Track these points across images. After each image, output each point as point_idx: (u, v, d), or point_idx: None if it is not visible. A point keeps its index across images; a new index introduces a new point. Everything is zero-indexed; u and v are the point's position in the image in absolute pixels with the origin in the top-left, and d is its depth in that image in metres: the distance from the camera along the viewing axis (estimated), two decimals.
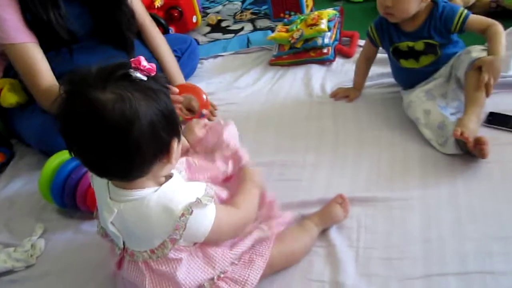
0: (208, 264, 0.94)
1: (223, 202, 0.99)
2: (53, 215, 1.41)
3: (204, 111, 1.37)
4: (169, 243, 0.86)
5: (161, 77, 0.84)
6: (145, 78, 0.79)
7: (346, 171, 1.35)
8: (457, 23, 1.38)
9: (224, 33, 2.35)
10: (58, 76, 1.46)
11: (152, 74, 0.80)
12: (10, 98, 1.55)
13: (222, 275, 0.97)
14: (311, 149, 1.46)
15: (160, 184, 0.86)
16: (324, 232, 1.17)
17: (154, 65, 0.81)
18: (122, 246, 0.92)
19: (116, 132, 0.75)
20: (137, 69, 0.79)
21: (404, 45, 1.44)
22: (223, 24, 2.44)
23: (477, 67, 1.30)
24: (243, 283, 0.97)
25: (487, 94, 1.30)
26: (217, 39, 2.31)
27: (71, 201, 1.32)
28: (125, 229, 0.88)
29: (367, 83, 1.68)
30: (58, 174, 1.31)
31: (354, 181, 1.31)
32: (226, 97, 1.81)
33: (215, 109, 1.71)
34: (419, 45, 1.42)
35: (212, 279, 0.96)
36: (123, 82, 0.77)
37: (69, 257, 1.26)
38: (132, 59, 0.79)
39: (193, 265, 0.92)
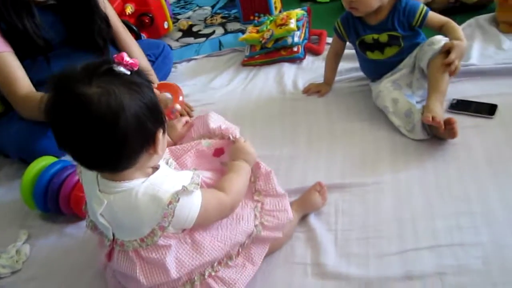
0: (197, 251, 0.96)
1: (210, 186, 1.02)
2: (36, 221, 1.42)
3: (178, 106, 1.37)
4: (158, 231, 0.89)
5: (144, 71, 0.88)
6: (128, 73, 0.83)
7: (321, 161, 1.41)
8: (418, 18, 1.47)
9: (195, 38, 2.39)
10: (35, 84, 1.47)
11: (135, 69, 0.84)
12: None
13: (213, 273, 1.00)
14: (287, 143, 1.51)
15: (148, 176, 0.90)
16: (303, 218, 1.22)
17: (137, 60, 0.85)
18: (111, 237, 0.94)
19: (103, 124, 0.78)
20: (120, 64, 0.83)
21: (370, 37, 1.52)
22: (194, 28, 2.49)
23: (446, 50, 1.39)
24: (231, 285, 1.00)
25: (453, 73, 1.40)
26: (189, 44, 2.35)
27: (54, 205, 1.33)
28: (115, 219, 0.91)
29: (337, 78, 1.75)
30: (40, 179, 1.33)
31: (329, 170, 1.37)
32: (202, 98, 1.85)
33: (192, 110, 1.75)
34: (383, 37, 1.50)
35: (203, 274, 0.99)
36: (107, 77, 0.80)
37: (55, 261, 1.27)
38: (115, 55, 0.83)
39: (182, 252, 0.95)
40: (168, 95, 1.54)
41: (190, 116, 1.70)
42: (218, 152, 1.11)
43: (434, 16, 1.48)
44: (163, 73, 1.95)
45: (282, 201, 1.12)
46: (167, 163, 1.03)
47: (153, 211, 0.87)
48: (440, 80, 1.40)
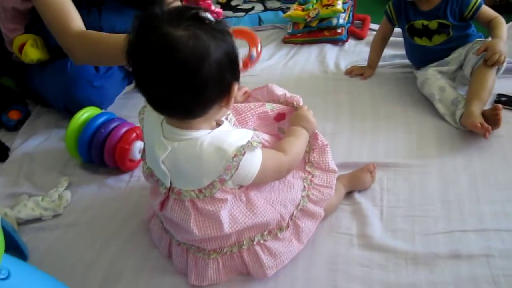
0: (250, 210, 0.97)
1: (267, 148, 1.02)
2: (77, 170, 1.42)
3: (254, 54, 1.27)
4: (218, 183, 0.90)
5: (226, 22, 0.87)
6: (213, 20, 0.82)
7: (365, 140, 1.42)
8: (471, 9, 1.48)
9: (234, 11, 2.38)
10: None
11: (220, 18, 0.84)
12: (32, 54, 1.53)
13: (262, 241, 1.01)
14: (330, 119, 1.52)
15: (212, 129, 0.90)
16: (349, 193, 1.23)
17: (221, 11, 0.85)
18: (168, 185, 0.94)
19: (187, 67, 0.78)
20: (207, 10, 0.82)
21: (419, 23, 1.53)
22: (233, 3, 2.47)
23: (482, 51, 1.40)
24: (275, 257, 1.01)
25: (498, 63, 1.39)
26: (228, 17, 2.34)
27: (98, 155, 1.34)
28: (176, 167, 0.90)
29: (380, 63, 1.75)
30: (86, 128, 1.33)
31: (373, 148, 1.38)
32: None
33: None
34: (433, 24, 1.51)
35: (253, 240, 1.00)
36: (194, 22, 0.80)
37: (97, 209, 1.28)
38: (201, 2, 0.83)
39: (236, 208, 0.96)
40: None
41: None
42: (280, 116, 1.11)
43: (486, 10, 1.50)
44: None
45: (330, 177, 1.12)
46: (226, 118, 1.03)
47: (216, 162, 0.87)
48: (483, 89, 1.39)
